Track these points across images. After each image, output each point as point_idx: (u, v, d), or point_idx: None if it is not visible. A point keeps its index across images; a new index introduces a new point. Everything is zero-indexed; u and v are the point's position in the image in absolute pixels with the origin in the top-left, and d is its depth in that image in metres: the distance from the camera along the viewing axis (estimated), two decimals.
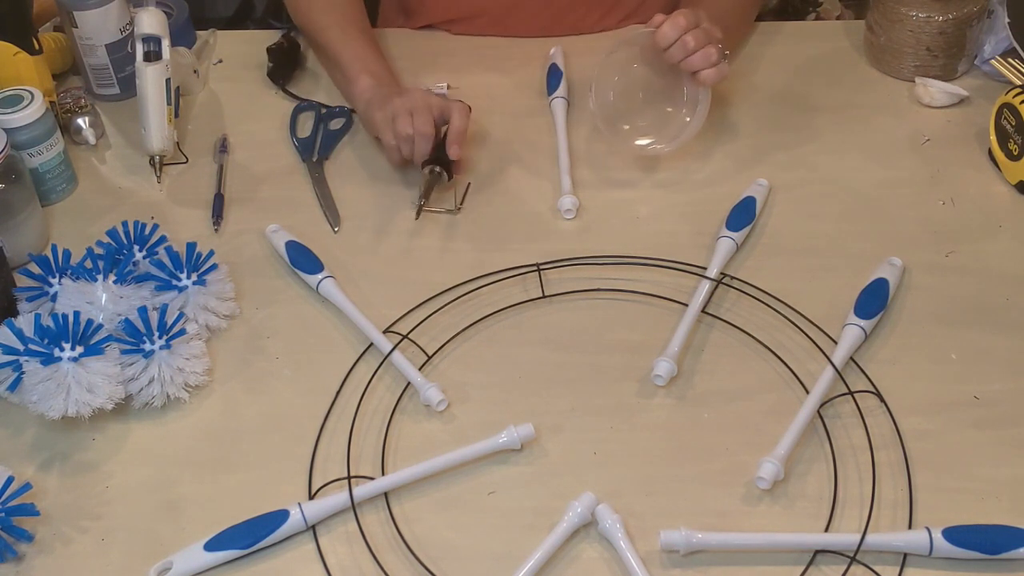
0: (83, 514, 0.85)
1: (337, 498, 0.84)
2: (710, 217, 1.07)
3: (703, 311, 0.98)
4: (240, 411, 0.93)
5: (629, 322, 0.98)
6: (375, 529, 0.83)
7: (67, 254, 0.97)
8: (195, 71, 1.27)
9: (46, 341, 0.86)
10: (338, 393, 0.93)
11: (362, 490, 0.84)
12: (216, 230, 1.09)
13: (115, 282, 0.94)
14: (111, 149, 1.21)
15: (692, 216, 1.08)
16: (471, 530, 0.83)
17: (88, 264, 0.95)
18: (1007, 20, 1.18)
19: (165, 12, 1.18)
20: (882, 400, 0.90)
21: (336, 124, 1.22)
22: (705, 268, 1.01)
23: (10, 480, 0.83)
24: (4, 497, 0.82)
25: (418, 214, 1.07)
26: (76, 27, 1.21)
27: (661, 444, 0.88)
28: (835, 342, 0.94)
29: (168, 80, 1.14)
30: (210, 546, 0.81)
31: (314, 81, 1.29)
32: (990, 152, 1.14)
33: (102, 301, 0.93)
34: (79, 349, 0.87)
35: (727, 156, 1.16)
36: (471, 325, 0.98)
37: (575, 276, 1.03)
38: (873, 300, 0.96)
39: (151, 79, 1.13)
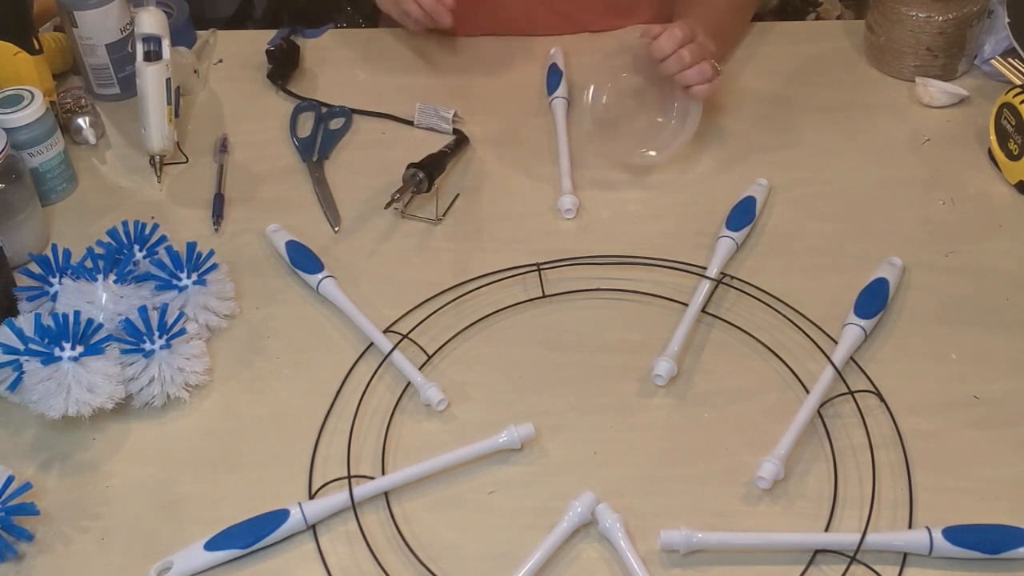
0: (83, 514, 0.85)
1: (337, 498, 0.84)
2: (710, 217, 1.07)
3: (703, 311, 0.98)
4: (240, 411, 0.93)
5: (629, 322, 0.98)
6: (375, 529, 0.83)
7: (67, 254, 0.97)
8: (195, 71, 1.27)
9: (46, 341, 0.86)
10: (338, 393, 0.93)
11: (362, 490, 0.84)
12: (216, 230, 1.09)
13: (115, 282, 0.94)
14: (111, 149, 1.21)
15: (692, 216, 1.08)
16: (471, 530, 0.83)
17: (88, 264, 0.95)
18: (1007, 20, 1.18)
19: (165, 12, 1.18)
20: (882, 400, 0.90)
21: (336, 124, 1.22)
22: (705, 268, 1.01)
23: (10, 480, 0.83)
24: (4, 496, 0.81)
25: (388, 205, 1.07)
26: (76, 27, 1.21)
27: (661, 444, 0.88)
28: (835, 342, 0.94)
29: (168, 80, 1.14)
30: (210, 546, 0.81)
31: (314, 81, 1.29)
32: (990, 152, 1.13)
33: (102, 301, 0.93)
34: (79, 349, 0.87)
35: (727, 156, 1.16)
36: (471, 325, 0.98)
37: (575, 276, 1.03)
38: (873, 300, 0.96)
39: (151, 79, 1.12)
